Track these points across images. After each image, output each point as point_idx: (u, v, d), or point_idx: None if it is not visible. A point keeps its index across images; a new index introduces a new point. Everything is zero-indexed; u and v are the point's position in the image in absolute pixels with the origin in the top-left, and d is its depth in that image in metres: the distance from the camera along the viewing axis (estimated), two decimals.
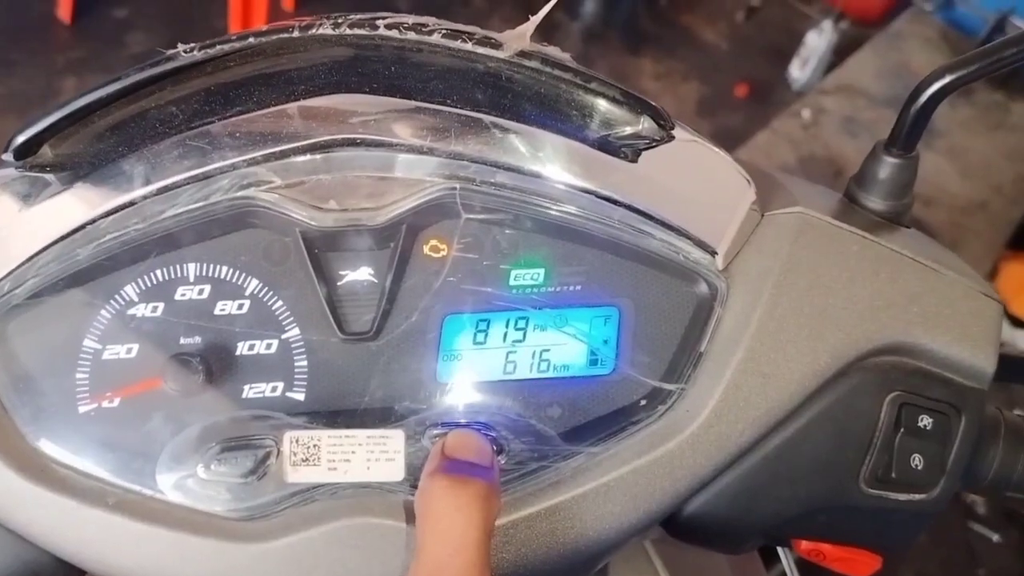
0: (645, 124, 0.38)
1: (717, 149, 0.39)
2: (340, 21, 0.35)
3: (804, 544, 0.42)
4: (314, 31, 0.35)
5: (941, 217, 2.17)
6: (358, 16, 0.35)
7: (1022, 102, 2.54)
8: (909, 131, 0.40)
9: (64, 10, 2.27)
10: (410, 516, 0.35)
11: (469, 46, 0.35)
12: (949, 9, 2.61)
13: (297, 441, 0.35)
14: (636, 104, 0.38)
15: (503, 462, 0.35)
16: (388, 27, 0.35)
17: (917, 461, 0.38)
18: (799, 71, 2.73)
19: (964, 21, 2.60)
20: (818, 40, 2.65)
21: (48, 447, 0.35)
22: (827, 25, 2.63)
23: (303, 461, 0.35)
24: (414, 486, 0.35)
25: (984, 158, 2.36)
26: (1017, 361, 0.48)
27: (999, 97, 2.54)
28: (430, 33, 0.35)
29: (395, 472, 0.35)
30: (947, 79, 0.39)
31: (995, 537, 2.02)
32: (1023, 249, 2.32)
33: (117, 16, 2.40)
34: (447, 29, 0.36)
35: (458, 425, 0.36)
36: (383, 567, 0.34)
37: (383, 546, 0.34)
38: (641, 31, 2.88)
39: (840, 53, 2.64)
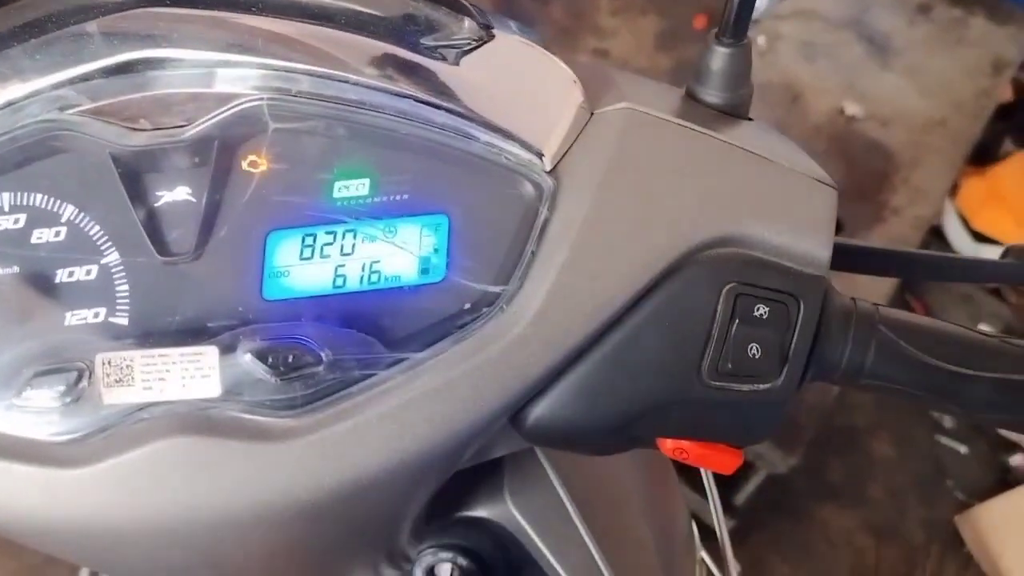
0: (465, 25, 0.37)
1: (544, 50, 0.39)
2: None
3: (668, 443, 0.42)
4: None
5: (900, 137, 2.16)
6: None
7: (981, 16, 2.51)
8: (737, 17, 0.39)
9: None
10: (229, 432, 0.34)
11: None
12: None
13: (109, 363, 0.34)
14: (453, 5, 0.37)
15: (322, 372, 0.35)
16: None
17: (755, 350, 0.37)
18: None
19: None
20: None
21: None
22: None
23: (116, 382, 0.34)
24: (232, 400, 0.35)
25: (943, 75, 2.34)
26: (863, 251, 0.48)
27: (958, 13, 2.51)
28: None
29: (211, 388, 0.35)
30: None
31: (963, 449, 2.05)
32: (984, 164, 2.32)
33: None
34: None
35: (273, 339, 0.35)
36: (207, 484, 0.34)
37: (206, 463, 0.34)
38: None
39: None
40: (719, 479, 0.75)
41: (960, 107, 2.28)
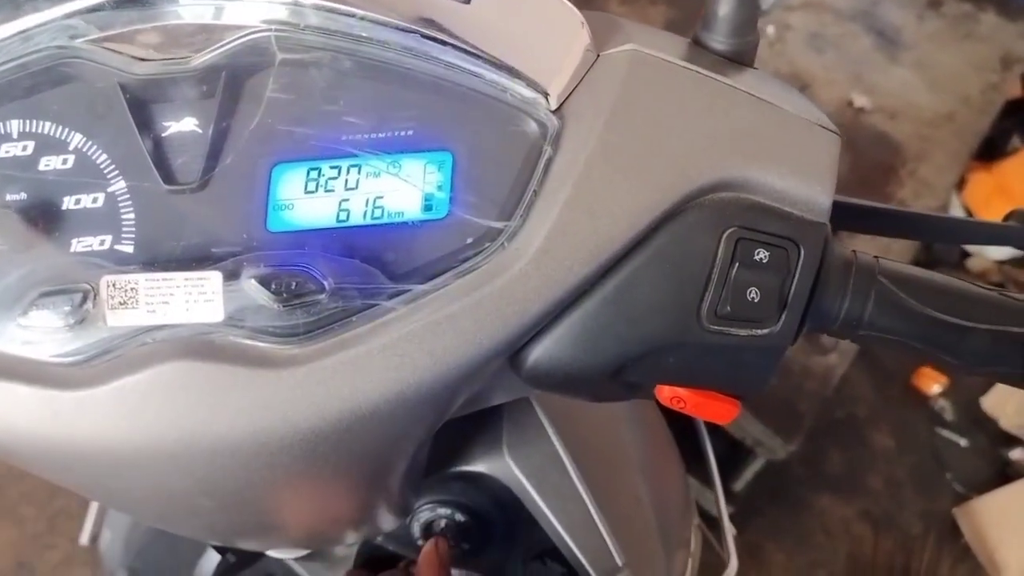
0: None
1: None
2: None
3: (665, 391, 0.42)
4: None
5: (907, 130, 2.16)
6: None
7: (991, 12, 2.51)
8: None
9: None
10: (231, 357, 0.35)
11: None
12: None
13: (114, 285, 0.35)
14: None
15: (324, 300, 0.35)
16: None
17: (754, 294, 0.37)
18: None
19: None
20: None
21: None
22: None
23: (121, 304, 0.35)
24: (235, 326, 0.35)
25: (952, 70, 2.33)
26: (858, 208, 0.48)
27: (968, 8, 2.51)
28: None
29: (214, 313, 0.35)
30: None
31: (962, 442, 2.05)
32: (990, 160, 2.31)
33: None
34: None
35: (277, 267, 0.35)
36: (207, 408, 0.34)
37: (207, 388, 0.34)
38: None
39: None
40: (717, 463, 0.76)
41: (968, 102, 2.28)
